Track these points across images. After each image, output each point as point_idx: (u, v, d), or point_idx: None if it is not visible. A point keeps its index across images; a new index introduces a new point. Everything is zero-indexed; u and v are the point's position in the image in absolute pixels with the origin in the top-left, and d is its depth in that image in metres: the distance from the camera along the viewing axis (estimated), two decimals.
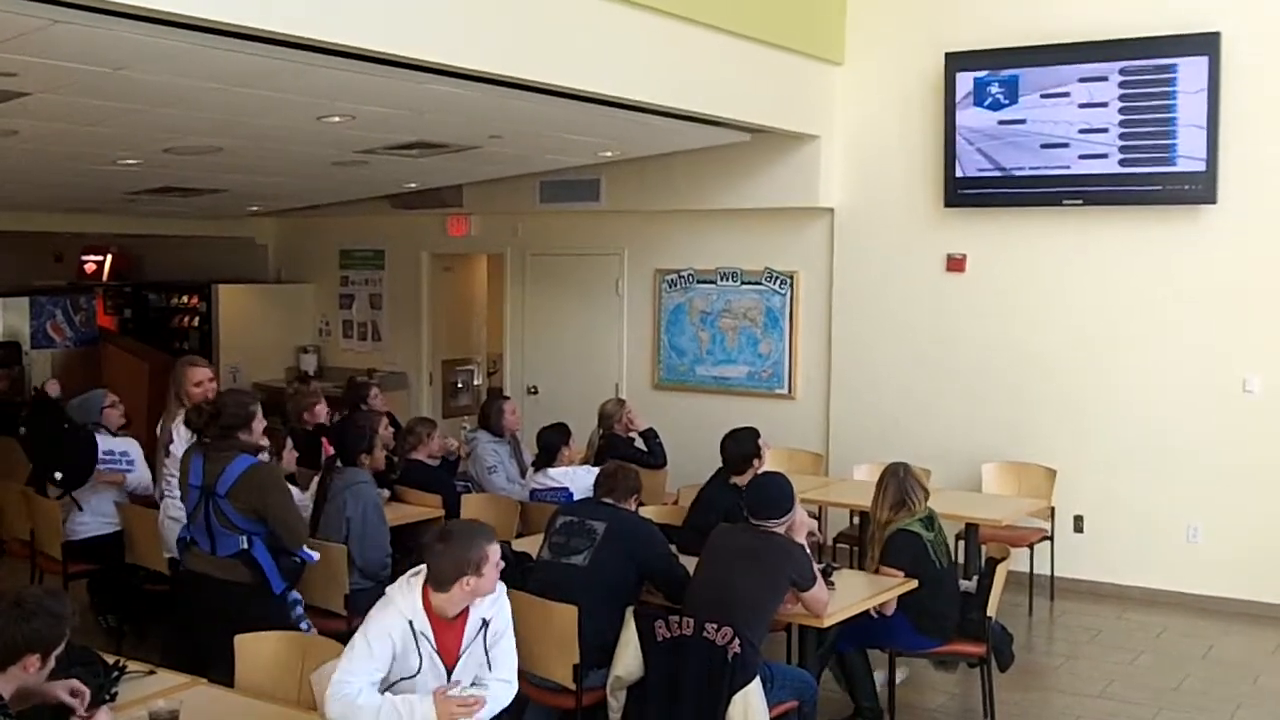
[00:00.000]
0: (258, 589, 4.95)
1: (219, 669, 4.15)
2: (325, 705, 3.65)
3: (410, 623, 3.74)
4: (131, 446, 6.90)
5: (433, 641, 3.78)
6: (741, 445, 6.25)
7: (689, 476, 7.33)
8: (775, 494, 4.95)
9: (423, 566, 3.82)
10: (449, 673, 3.81)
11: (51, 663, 3.23)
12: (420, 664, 3.75)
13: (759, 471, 5.90)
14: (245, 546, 4.96)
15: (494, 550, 3.81)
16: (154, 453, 6.32)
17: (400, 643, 3.74)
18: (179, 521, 5.80)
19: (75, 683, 3.39)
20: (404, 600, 3.78)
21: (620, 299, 10.19)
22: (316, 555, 5.24)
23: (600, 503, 5.22)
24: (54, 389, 6.77)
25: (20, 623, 3.15)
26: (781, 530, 4.87)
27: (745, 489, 5.34)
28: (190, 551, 5.14)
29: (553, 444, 7.02)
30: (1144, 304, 8.00)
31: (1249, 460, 7.70)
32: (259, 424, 5.17)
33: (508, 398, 8.29)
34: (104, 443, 6.75)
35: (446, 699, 3.67)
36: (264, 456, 5.18)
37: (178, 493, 5.79)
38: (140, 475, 6.81)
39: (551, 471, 6.95)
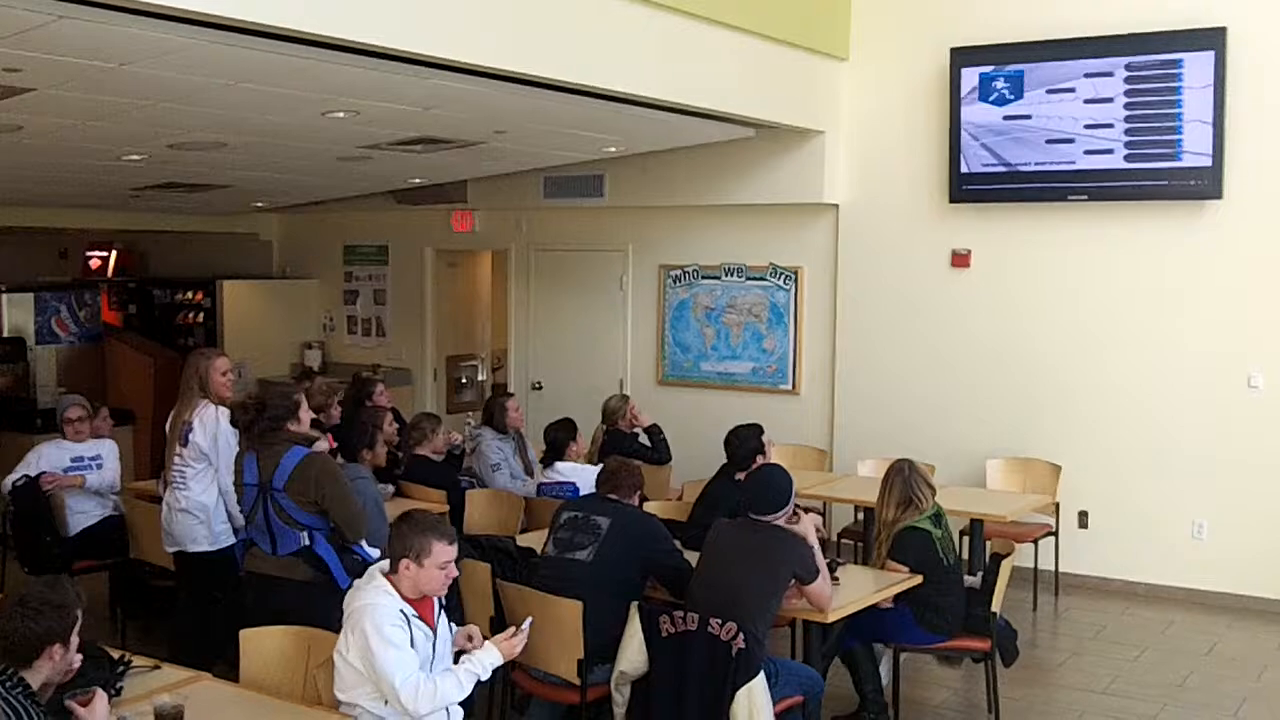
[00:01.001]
0: (323, 587, 4.80)
1: None
2: (415, 707, 3.74)
3: (401, 610, 3.85)
4: (104, 448, 7.04)
5: (419, 616, 3.92)
6: (745, 442, 6.27)
7: (693, 472, 7.34)
8: (773, 488, 4.96)
9: (373, 568, 3.97)
10: (435, 638, 3.98)
11: (75, 641, 3.28)
12: (414, 640, 3.87)
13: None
14: (307, 543, 4.87)
15: (440, 550, 3.90)
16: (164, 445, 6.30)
17: (407, 627, 3.84)
18: (189, 514, 5.79)
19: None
20: (380, 596, 3.86)
21: (624, 295, 10.18)
22: (377, 553, 5.02)
23: (604, 498, 5.22)
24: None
25: (29, 621, 3.20)
26: (782, 522, 4.88)
27: (745, 483, 5.34)
28: (250, 554, 5.05)
29: (561, 441, 7.06)
30: (1149, 299, 7.99)
31: (1254, 456, 7.69)
32: (306, 414, 5.10)
33: (511, 395, 8.29)
34: (73, 449, 6.94)
35: (506, 641, 4.00)
36: (319, 446, 5.12)
37: (193, 486, 5.78)
38: (101, 476, 6.93)
39: (560, 466, 6.99)
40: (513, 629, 4.08)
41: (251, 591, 5.07)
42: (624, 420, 7.85)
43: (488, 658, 3.95)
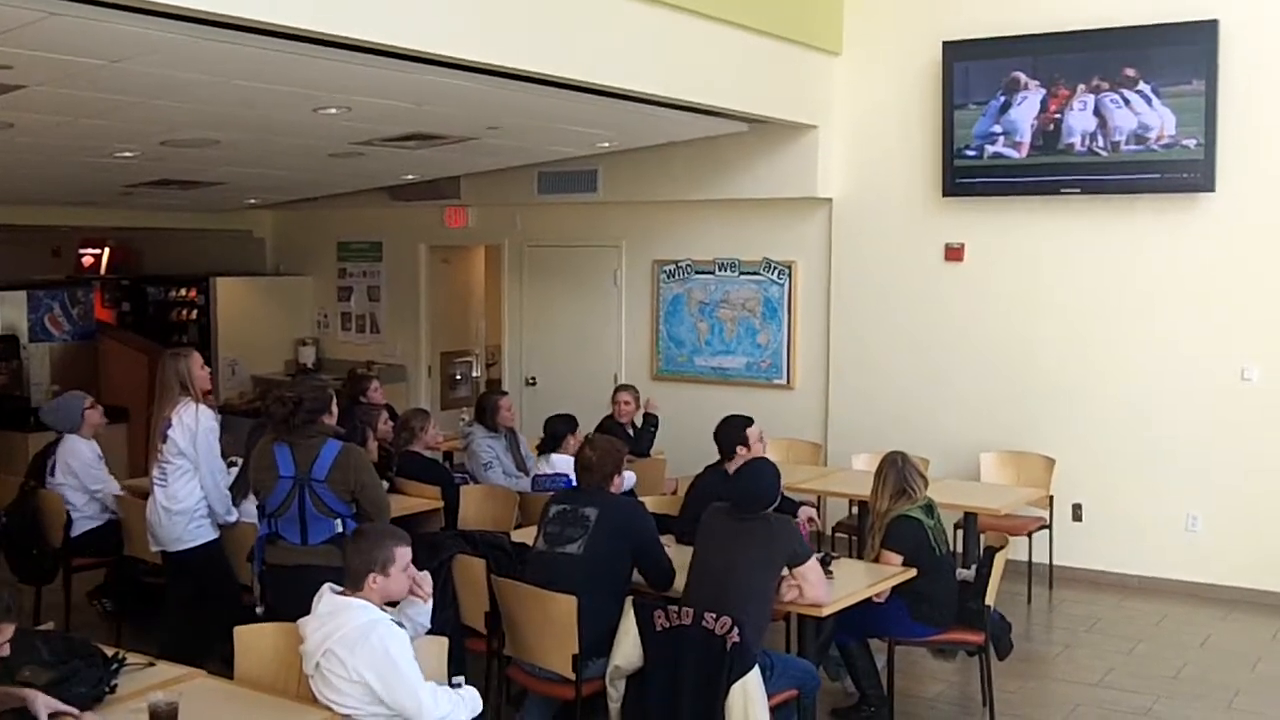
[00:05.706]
0: None
1: None
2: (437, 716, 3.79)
3: (397, 621, 3.91)
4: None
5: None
6: (727, 434, 6.28)
7: (688, 467, 7.31)
8: (760, 486, 4.98)
9: (324, 591, 3.94)
10: None
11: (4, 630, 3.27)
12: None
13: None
14: (340, 530, 4.99)
15: (402, 553, 3.96)
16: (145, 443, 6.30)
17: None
18: (171, 513, 5.74)
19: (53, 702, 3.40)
20: (374, 612, 3.85)
21: (618, 290, 10.18)
22: None
23: (591, 489, 5.16)
24: None
25: None
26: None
27: (732, 479, 5.35)
28: (275, 546, 5.09)
29: (560, 433, 7.09)
30: (1142, 292, 8.00)
31: (1248, 449, 7.71)
32: (335, 408, 5.24)
33: (504, 393, 8.29)
34: (95, 446, 6.85)
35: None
36: None
37: (174, 485, 5.72)
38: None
39: (554, 459, 7.00)
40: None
41: (275, 584, 5.11)
42: (624, 409, 7.95)
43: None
